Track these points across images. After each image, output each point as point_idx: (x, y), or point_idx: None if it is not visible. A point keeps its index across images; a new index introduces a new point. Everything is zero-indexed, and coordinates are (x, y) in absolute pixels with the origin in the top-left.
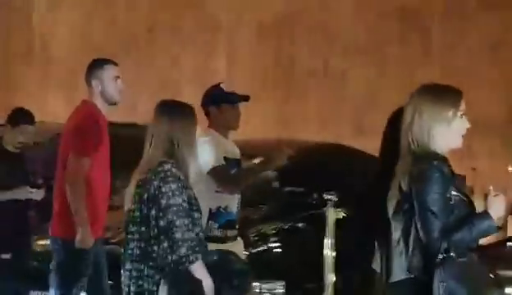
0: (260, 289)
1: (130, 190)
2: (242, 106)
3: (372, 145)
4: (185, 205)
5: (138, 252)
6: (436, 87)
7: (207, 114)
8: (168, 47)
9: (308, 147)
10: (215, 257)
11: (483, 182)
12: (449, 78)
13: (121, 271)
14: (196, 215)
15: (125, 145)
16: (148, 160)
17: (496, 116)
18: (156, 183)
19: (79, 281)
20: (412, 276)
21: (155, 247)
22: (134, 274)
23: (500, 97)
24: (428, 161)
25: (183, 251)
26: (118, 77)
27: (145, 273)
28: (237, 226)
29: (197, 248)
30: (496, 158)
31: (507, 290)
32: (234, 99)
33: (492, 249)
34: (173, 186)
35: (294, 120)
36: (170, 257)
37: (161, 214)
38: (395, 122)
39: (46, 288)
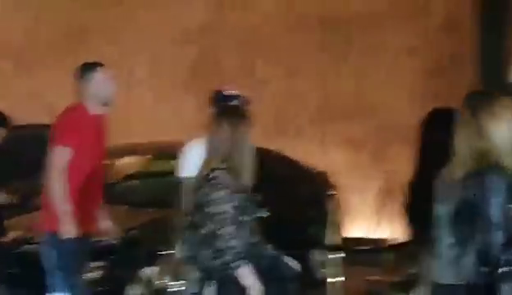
0: (178, 288)
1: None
2: (165, 108)
3: (292, 147)
4: (231, 212)
5: (188, 255)
6: (495, 95)
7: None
8: (94, 48)
9: None
10: (267, 261)
11: (400, 183)
12: (366, 83)
13: None
14: (246, 218)
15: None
16: (205, 166)
17: (412, 121)
18: (206, 190)
19: (72, 273)
20: (463, 283)
21: (201, 252)
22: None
23: (415, 103)
24: (495, 170)
25: (227, 258)
26: (109, 78)
27: (195, 275)
28: None
29: (241, 255)
30: (410, 161)
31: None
32: (230, 101)
33: (407, 248)
34: (221, 193)
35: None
36: (214, 263)
37: (207, 221)
38: (434, 126)
39: None
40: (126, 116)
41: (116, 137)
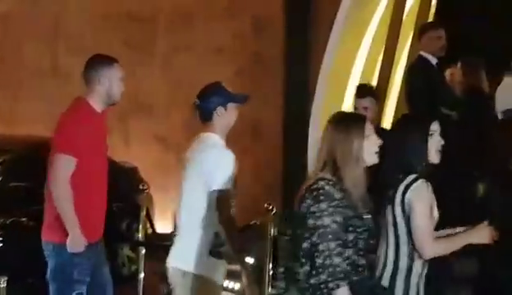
0: None
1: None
2: None
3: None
4: (334, 227)
5: (285, 272)
6: None
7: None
8: None
9: (34, 142)
10: (369, 283)
11: None
12: (173, 80)
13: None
14: (351, 236)
15: None
16: (310, 175)
17: None
18: (308, 201)
19: (74, 289)
20: None
21: (299, 269)
22: (284, 293)
23: None
24: None
25: (323, 277)
26: (122, 77)
27: (291, 294)
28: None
29: (340, 275)
30: None
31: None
32: (242, 99)
33: None
34: (323, 206)
35: (21, 117)
36: (310, 281)
37: (306, 235)
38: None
39: None
40: None
41: None
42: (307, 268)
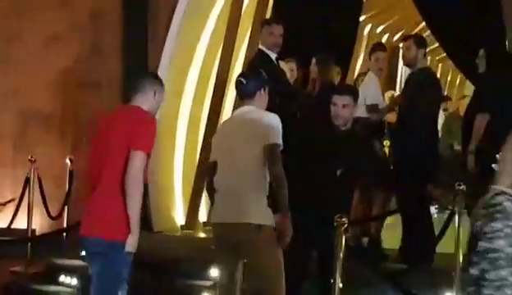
0: None
1: None
2: None
3: None
4: (509, 251)
5: None
6: None
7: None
8: None
9: None
10: None
11: (40, 172)
12: (9, 69)
13: None
14: None
15: None
16: (492, 189)
17: (50, 109)
18: (482, 220)
19: (122, 287)
20: None
21: None
22: None
23: (59, 90)
24: None
25: None
26: None
27: None
28: None
29: None
30: (53, 149)
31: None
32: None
33: (48, 238)
34: (498, 225)
35: None
36: None
37: (475, 259)
38: None
39: None
40: None
41: None
42: None
